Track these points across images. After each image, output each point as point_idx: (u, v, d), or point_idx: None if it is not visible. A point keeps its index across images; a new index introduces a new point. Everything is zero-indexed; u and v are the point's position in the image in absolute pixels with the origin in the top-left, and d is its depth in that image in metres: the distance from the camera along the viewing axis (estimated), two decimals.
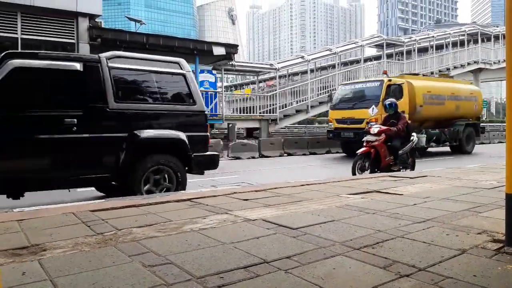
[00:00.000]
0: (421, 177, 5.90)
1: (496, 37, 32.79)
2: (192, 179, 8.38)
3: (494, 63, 31.56)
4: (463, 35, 31.18)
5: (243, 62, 24.17)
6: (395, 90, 12.58)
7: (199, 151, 5.65)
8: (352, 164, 7.69)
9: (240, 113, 20.34)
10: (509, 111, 2.39)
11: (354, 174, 7.44)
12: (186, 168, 5.58)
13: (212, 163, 5.93)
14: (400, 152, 7.90)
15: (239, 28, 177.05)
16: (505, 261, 2.21)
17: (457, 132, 14.97)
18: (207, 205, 3.90)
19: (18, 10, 12.24)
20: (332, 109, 14.49)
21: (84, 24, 13.21)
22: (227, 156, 13.32)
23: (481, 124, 17.99)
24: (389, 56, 28.89)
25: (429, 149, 15.48)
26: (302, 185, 5.27)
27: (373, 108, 12.47)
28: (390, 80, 12.95)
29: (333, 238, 2.68)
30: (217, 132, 20.96)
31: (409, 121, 8.46)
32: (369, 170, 7.62)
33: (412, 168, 8.24)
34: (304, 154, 14.93)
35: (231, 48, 17.58)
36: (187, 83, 5.68)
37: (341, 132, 13.54)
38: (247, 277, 2.00)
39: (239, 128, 20.24)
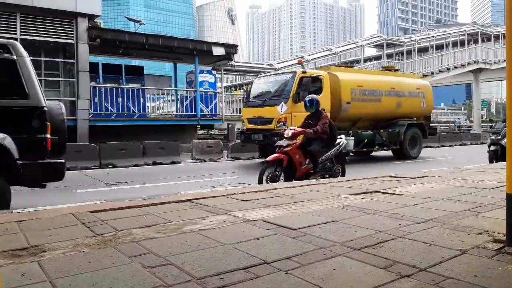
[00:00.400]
0: (422, 177, 5.89)
1: (496, 37, 32.85)
2: (192, 180, 8.40)
3: (494, 63, 31.61)
4: (463, 35, 31.24)
5: (242, 62, 24.21)
6: (309, 84, 10.45)
7: (32, 159, 4.43)
8: (259, 173, 6.63)
9: (240, 113, 20.32)
10: (509, 111, 2.39)
11: (261, 182, 6.46)
12: (12, 180, 4.45)
13: (53, 172, 4.69)
14: (322, 158, 6.84)
15: (238, 28, 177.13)
16: (506, 261, 2.20)
17: (397, 134, 12.77)
18: (207, 205, 3.89)
19: (18, 11, 12.25)
20: (245, 106, 12.41)
21: (83, 24, 13.22)
22: (227, 156, 13.31)
23: (432, 124, 15.77)
24: (389, 56, 28.95)
25: (374, 153, 13.78)
26: (302, 185, 5.27)
27: (282, 105, 10.45)
28: (304, 72, 10.98)
29: (334, 238, 2.68)
30: (217, 133, 20.98)
31: (332, 121, 7.31)
32: (283, 180, 6.64)
33: (343, 175, 7.19)
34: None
35: (231, 48, 17.61)
36: (17, 72, 4.47)
37: (251, 134, 11.39)
38: (247, 278, 2.00)
39: (239, 129, 20.24)
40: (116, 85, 15.51)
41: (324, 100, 10.47)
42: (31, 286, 1.92)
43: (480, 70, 31.62)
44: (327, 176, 6.95)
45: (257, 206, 3.83)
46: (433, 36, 30.38)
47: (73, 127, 13.05)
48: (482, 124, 36.24)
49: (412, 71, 26.24)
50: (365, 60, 26.84)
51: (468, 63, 29.97)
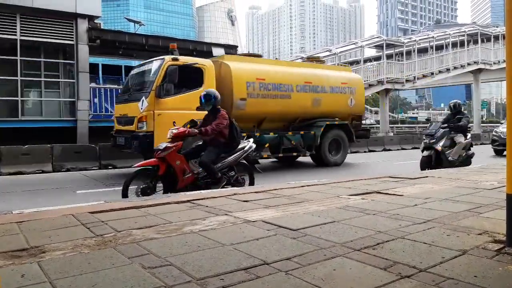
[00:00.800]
0: (422, 178, 5.89)
1: (496, 38, 32.83)
2: None
3: (494, 63, 31.59)
4: (463, 35, 31.22)
5: None
6: (174, 74, 8.29)
7: None
8: (123, 184, 5.50)
9: None
10: (509, 111, 2.39)
11: (125, 196, 5.35)
12: None
13: None
14: (218, 165, 5.76)
15: (238, 29, 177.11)
16: (506, 262, 2.20)
17: (312, 137, 10.81)
18: (206, 206, 3.89)
19: (17, 12, 12.27)
20: (116, 103, 10.37)
21: (83, 25, 13.24)
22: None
23: (365, 125, 13.59)
24: (389, 56, 28.91)
25: (301, 159, 12.28)
26: (302, 186, 5.26)
27: (143, 100, 8.49)
28: (175, 59, 8.70)
29: (333, 239, 2.67)
30: None
31: (234, 121, 6.05)
32: (162, 192, 5.57)
33: (251, 185, 6.17)
34: (304, 155, 14.91)
35: (231, 49, 17.60)
36: None
37: (117, 137, 9.41)
38: (248, 279, 1.99)
39: None
40: (116, 86, 15.54)
41: None
42: (31, 287, 1.92)
43: (480, 70, 31.61)
44: (228, 186, 5.83)
45: (257, 207, 3.83)
46: (432, 37, 30.36)
47: (73, 127, 13.08)
48: (482, 124, 36.27)
49: (412, 72, 26.24)
50: (365, 61, 26.82)
51: (468, 64, 29.96)
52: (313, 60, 13.80)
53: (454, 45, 30.94)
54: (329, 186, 5.21)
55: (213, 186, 5.69)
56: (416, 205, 3.84)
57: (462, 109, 9.15)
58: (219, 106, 6.06)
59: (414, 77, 26.44)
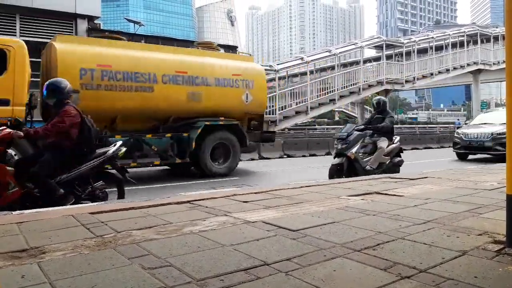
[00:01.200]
0: (421, 179, 5.89)
1: (496, 38, 32.88)
2: (191, 181, 8.39)
3: (494, 64, 31.64)
4: (463, 36, 31.26)
5: None
6: None
7: None
8: None
9: None
10: (509, 111, 2.39)
11: None
12: None
13: None
14: (63, 177, 4.56)
15: (238, 30, 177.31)
16: (506, 262, 2.20)
17: (187, 141, 8.79)
18: (206, 207, 3.89)
19: (17, 12, 12.29)
20: None
21: (83, 25, 13.27)
22: None
23: (270, 128, 11.64)
24: (389, 57, 28.92)
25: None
26: (302, 186, 5.26)
27: None
28: None
29: (334, 240, 2.67)
30: None
31: (89, 119, 4.88)
32: None
33: (120, 198, 5.13)
34: (303, 156, 14.94)
35: (230, 50, 17.67)
36: None
37: None
38: (248, 279, 1.99)
39: None
40: None
41: (9, 84, 6.78)
42: (31, 287, 1.92)
43: (479, 71, 31.66)
44: (87, 202, 4.66)
45: (257, 207, 3.83)
46: (432, 37, 30.39)
47: None
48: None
49: (411, 72, 26.26)
50: (365, 61, 26.82)
51: (468, 64, 30.00)
52: (202, 46, 11.00)
53: (454, 45, 30.98)
54: (329, 187, 5.21)
55: (54, 205, 4.32)
56: (416, 205, 3.84)
57: (387, 108, 7.88)
58: (68, 100, 4.83)
59: (414, 78, 26.45)
